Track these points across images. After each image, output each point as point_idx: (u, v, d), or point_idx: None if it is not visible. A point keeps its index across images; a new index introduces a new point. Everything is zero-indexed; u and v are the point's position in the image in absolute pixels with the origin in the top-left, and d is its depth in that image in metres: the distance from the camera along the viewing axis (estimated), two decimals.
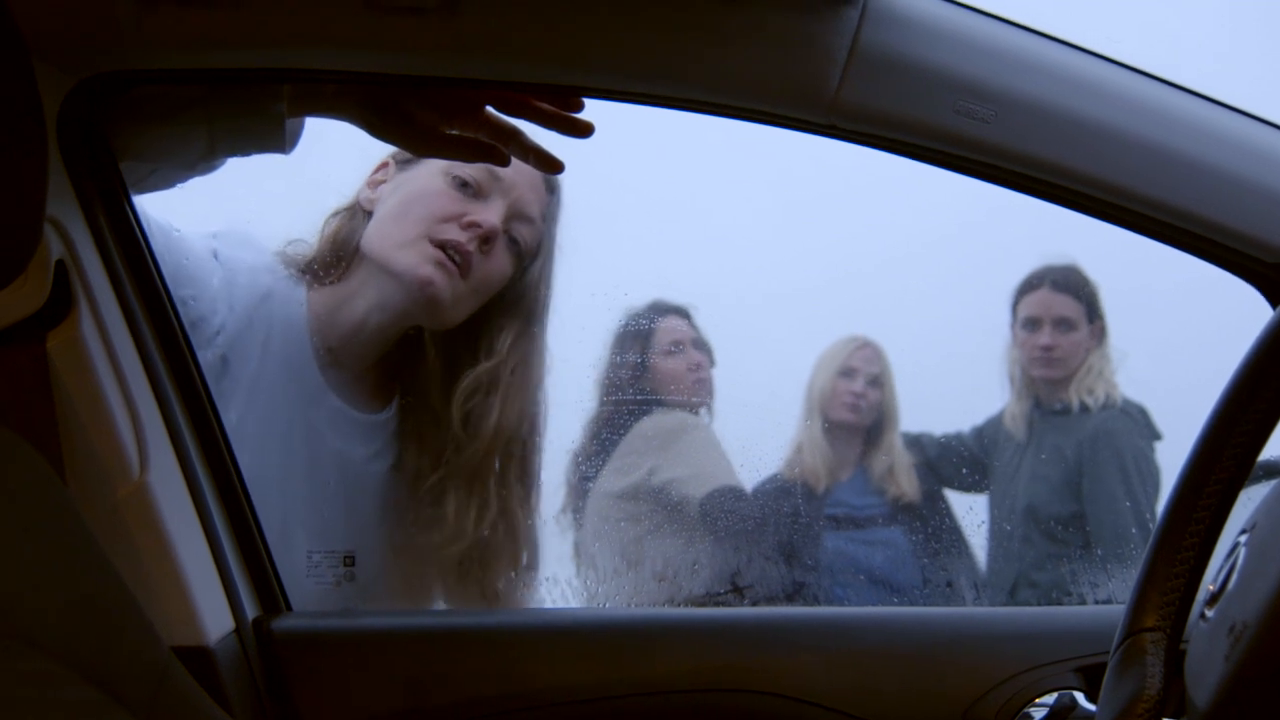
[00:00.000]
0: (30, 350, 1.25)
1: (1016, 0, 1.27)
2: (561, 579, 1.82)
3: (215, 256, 1.58)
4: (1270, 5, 3.10)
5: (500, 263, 1.63)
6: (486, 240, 1.59)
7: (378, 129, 1.41)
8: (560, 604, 1.80)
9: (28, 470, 1.00)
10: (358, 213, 1.66)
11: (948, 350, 2.99)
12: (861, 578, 2.82)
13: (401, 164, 1.66)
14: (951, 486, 3.11)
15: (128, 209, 1.35)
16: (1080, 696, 1.36)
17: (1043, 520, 2.95)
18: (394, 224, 1.62)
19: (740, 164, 2.71)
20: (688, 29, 1.18)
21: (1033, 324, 3.08)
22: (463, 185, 1.60)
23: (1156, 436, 2.99)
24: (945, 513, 2.99)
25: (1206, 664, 0.89)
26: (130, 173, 1.36)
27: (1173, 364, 2.87)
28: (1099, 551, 2.81)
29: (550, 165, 1.43)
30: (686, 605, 2.06)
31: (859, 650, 1.42)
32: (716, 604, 2.16)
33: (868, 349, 3.09)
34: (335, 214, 1.67)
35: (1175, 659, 0.94)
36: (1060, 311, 3.07)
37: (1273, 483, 0.98)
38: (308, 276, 1.65)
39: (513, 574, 1.70)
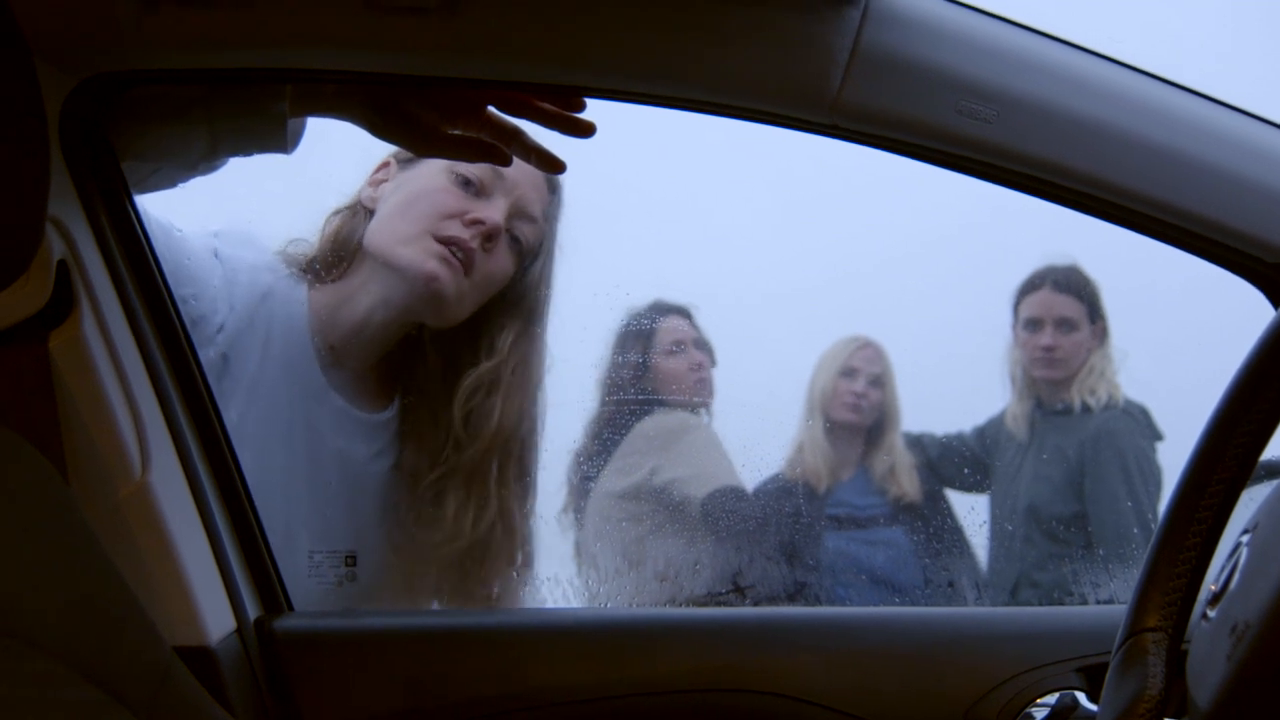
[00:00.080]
0: (32, 350, 1.25)
1: (1018, 0, 1.27)
2: (563, 579, 1.82)
3: (216, 256, 1.58)
4: (1272, 5, 3.10)
5: (502, 261, 1.63)
6: (489, 237, 1.60)
7: (379, 129, 1.41)
8: (561, 604, 1.80)
9: (29, 470, 1.00)
10: (359, 211, 1.66)
11: (949, 350, 2.98)
12: (863, 578, 2.82)
13: (403, 163, 1.66)
14: (953, 486, 3.11)
15: (129, 209, 1.35)
16: (1082, 697, 1.36)
17: (1044, 520, 2.95)
18: (397, 220, 1.62)
19: (741, 164, 2.71)
20: (689, 29, 1.18)
21: (1034, 324, 3.08)
22: (465, 183, 1.61)
23: (1158, 437, 2.99)
24: (947, 513, 2.99)
25: (1208, 664, 0.89)
26: (132, 172, 1.36)
27: (1174, 364, 2.87)
28: (1100, 551, 2.81)
29: (552, 165, 1.43)
30: (688, 605, 2.06)
31: (860, 650, 1.42)
32: (718, 604, 2.15)
33: (869, 349, 3.09)
34: (336, 212, 1.67)
35: (1177, 659, 0.94)
36: (1062, 312, 3.07)
37: (1275, 483, 0.98)
38: (309, 275, 1.65)
39: (512, 573, 1.70)
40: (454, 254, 1.58)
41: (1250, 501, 0.98)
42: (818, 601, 2.49)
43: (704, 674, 1.40)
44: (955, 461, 3.14)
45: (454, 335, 1.67)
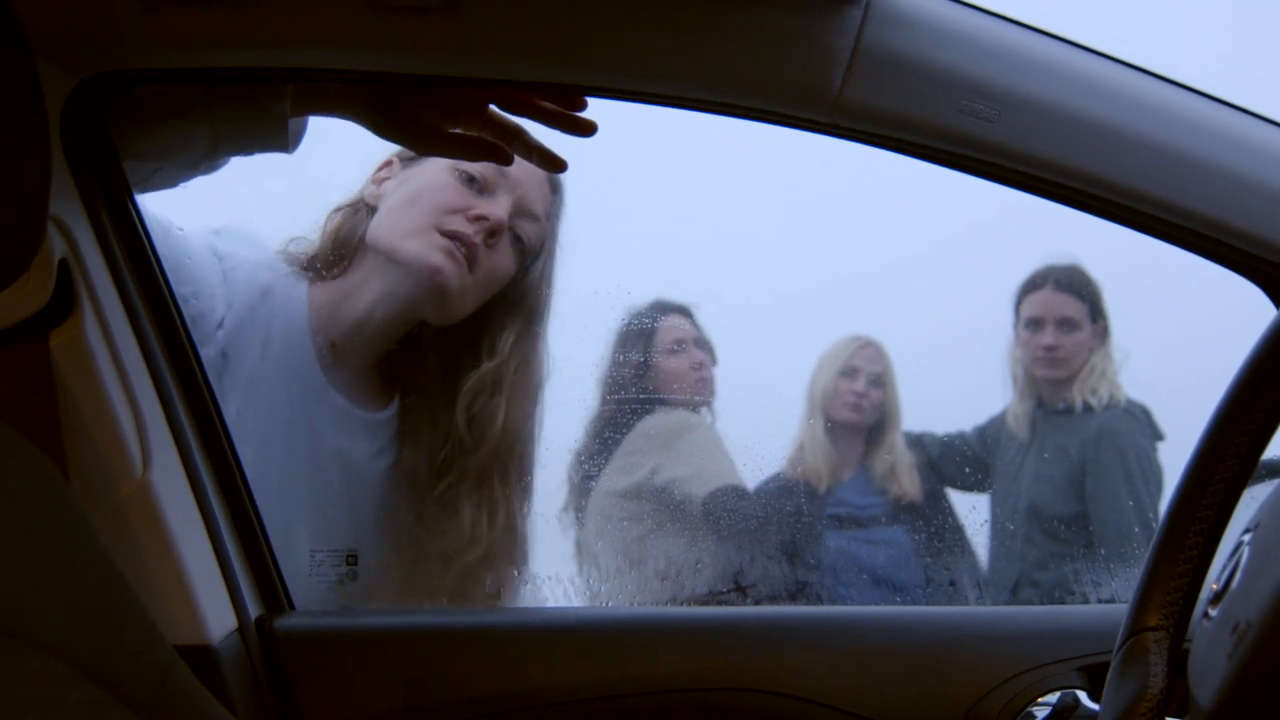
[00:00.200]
0: (33, 349, 1.25)
1: (1022, 0, 1.27)
2: (564, 578, 1.82)
3: (217, 254, 1.58)
4: (1273, 4, 3.10)
5: (504, 258, 1.63)
6: (493, 234, 1.60)
7: (381, 128, 1.41)
8: (563, 603, 1.81)
9: (29, 469, 1.00)
10: (361, 208, 1.67)
11: (950, 350, 2.98)
12: (864, 577, 2.82)
13: (406, 161, 1.66)
14: (954, 486, 3.11)
15: (130, 208, 1.35)
16: (1083, 696, 1.36)
17: (1045, 519, 2.95)
18: (401, 214, 1.62)
19: (742, 163, 2.71)
20: (691, 28, 1.18)
21: (1036, 324, 3.08)
22: (469, 180, 1.61)
23: (1159, 436, 2.98)
24: (948, 512, 2.99)
25: (1210, 663, 0.89)
26: (133, 172, 1.36)
27: (1176, 364, 2.87)
28: (1101, 551, 2.81)
29: (553, 164, 1.43)
30: (689, 604, 2.06)
31: (861, 649, 1.42)
32: (719, 603, 2.15)
33: (870, 348, 3.09)
34: (338, 209, 1.68)
35: (1178, 658, 0.94)
36: (1063, 311, 3.07)
37: (1276, 482, 0.98)
38: (309, 273, 1.65)
39: (514, 572, 1.71)
40: (458, 248, 1.58)
41: (1252, 500, 0.98)
42: (819, 601, 2.49)
43: (705, 673, 1.40)
44: (956, 461, 3.14)
45: (454, 334, 1.67)
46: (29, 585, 0.94)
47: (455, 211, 1.60)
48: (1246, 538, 0.95)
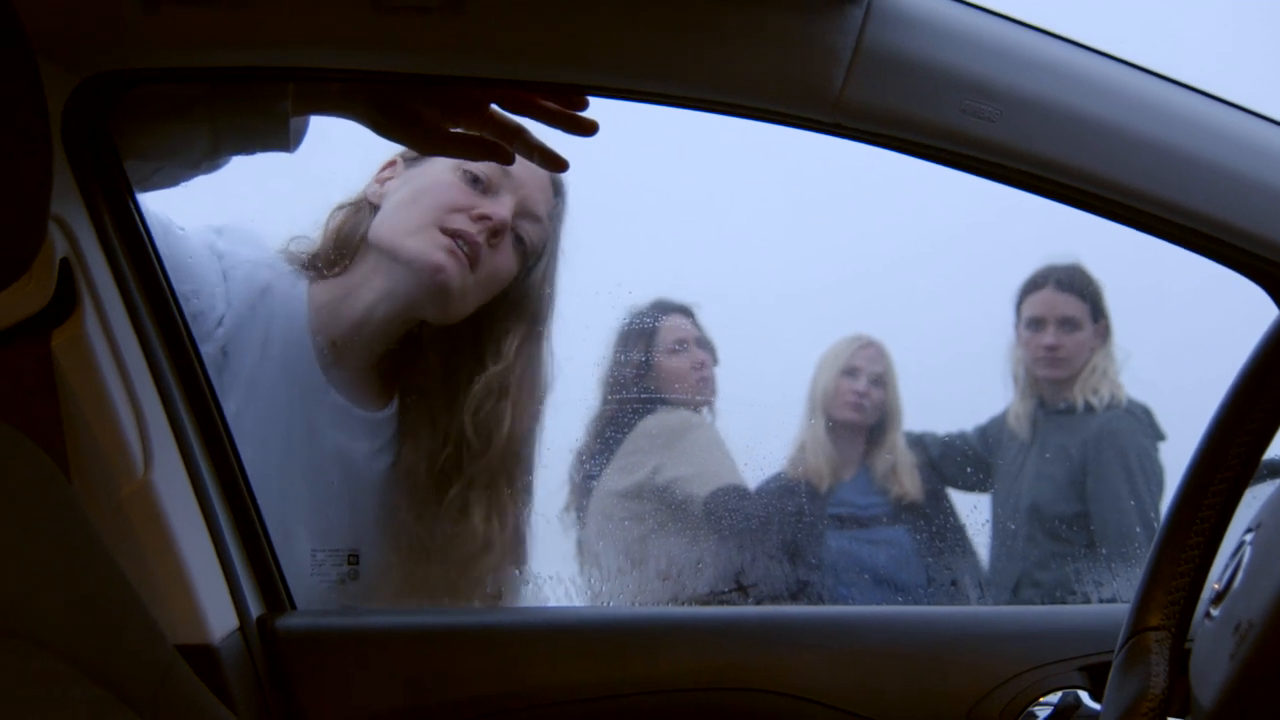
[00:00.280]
0: (35, 349, 1.25)
1: (1023, 0, 1.27)
2: (565, 577, 1.82)
3: (217, 252, 1.58)
4: (1275, 4, 3.09)
5: (506, 259, 1.64)
6: (496, 234, 1.60)
7: (383, 127, 1.41)
8: (564, 602, 1.81)
9: (29, 467, 1.00)
10: (364, 207, 1.67)
11: (952, 349, 2.98)
12: (865, 577, 2.82)
13: (410, 161, 1.66)
14: (955, 486, 3.11)
15: (132, 207, 1.35)
16: (1084, 695, 1.36)
17: (1047, 519, 2.95)
18: (405, 212, 1.63)
19: (743, 163, 2.71)
20: (692, 28, 1.18)
21: (1037, 324, 3.08)
22: (473, 180, 1.61)
23: (1160, 436, 2.98)
24: (949, 512, 2.99)
25: (1211, 663, 0.89)
26: (134, 171, 1.36)
27: (1177, 364, 2.87)
28: (1103, 551, 2.81)
29: (555, 163, 1.43)
30: (690, 604, 2.06)
31: (863, 649, 1.42)
32: (720, 603, 2.15)
33: (871, 348, 3.09)
34: (341, 207, 1.68)
35: (1180, 658, 0.94)
36: (1064, 311, 3.07)
37: (1278, 482, 0.98)
38: (310, 271, 1.65)
39: (515, 572, 1.71)
40: (460, 247, 1.59)
41: (1254, 500, 0.98)
42: (820, 601, 2.49)
43: (706, 673, 1.40)
44: (957, 460, 3.14)
45: (455, 334, 1.67)
46: (30, 585, 0.94)
47: (459, 210, 1.60)
48: (1248, 537, 0.95)
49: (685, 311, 2.73)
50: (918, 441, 3.11)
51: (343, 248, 1.65)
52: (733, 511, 2.46)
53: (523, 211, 1.64)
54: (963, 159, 1.24)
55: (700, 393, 2.70)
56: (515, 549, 1.70)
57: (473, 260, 1.59)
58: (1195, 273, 1.33)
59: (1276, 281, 1.26)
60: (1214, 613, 0.94)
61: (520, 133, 1.40)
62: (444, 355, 1.69)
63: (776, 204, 3.14)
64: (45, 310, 1.23)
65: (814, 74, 1.18)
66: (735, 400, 2.71)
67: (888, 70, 1.18)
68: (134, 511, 1.29)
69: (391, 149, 1.62)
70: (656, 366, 2.66)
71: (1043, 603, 2.83)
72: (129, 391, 1.30)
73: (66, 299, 1.26)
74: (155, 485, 1.30)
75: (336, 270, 1.65)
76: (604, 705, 1.40)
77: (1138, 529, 2.83)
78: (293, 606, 1.48)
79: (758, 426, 2.45)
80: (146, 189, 1.40)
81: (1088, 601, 2.34)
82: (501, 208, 1.61)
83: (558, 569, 1.81)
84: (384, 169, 1.68)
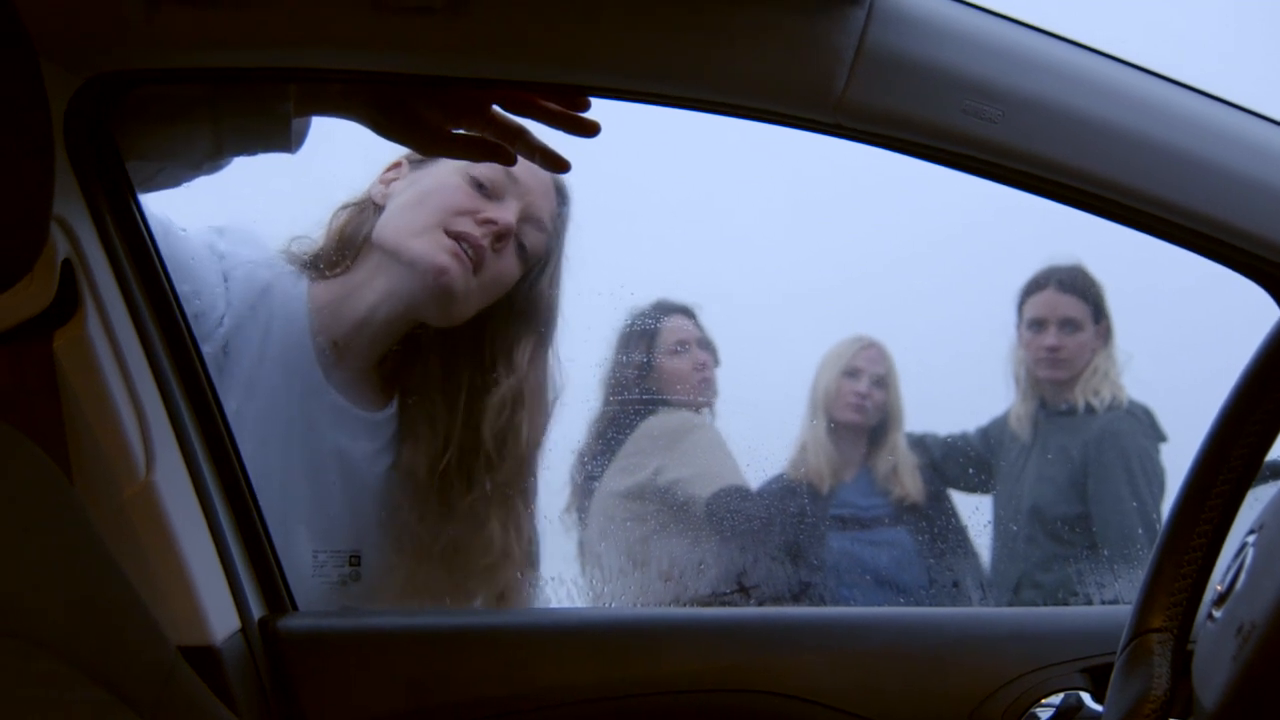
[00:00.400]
0: (36, 350, 1.26)
1: (1024, 0, 1.27)
2: (567, 578, 1.82)
3: (218, 252, 1.58)
4: (1275, 4, 3.09)
5: (509, 264, 1.64)
6: (500, 238, 1.60)
7: (384, 128, 1.41)
8: (566, 604, 1.81)
9: (32, 469, 1.00)
10: (368, 207, 1.67)
11: (953, 350, 2.98)
12: (867, 578, 2.82)
13: (415, 163, 1.66)
14: (957, 487, 3.11)
15: (134, 208, 1.35)
16: (1087, 697, 1.36)
17: (1048, 521, 2.95)
18: (409, 214, 1.63)
19: (744, 164, 2.71)
20: (694, 28, 1.18)
21: (1038, 325, 3.08)
22: (479, 185, 1.62)
23: (1162, 438, 2.98)
24: (950, 513, 2.99)
25: (1214, 664, 0.89)
26: (136, 172, 1.36)
27: (1178, 365, 2.87)
28: (1105, 552, 2.81)
29: (557, 164, 1.43)
30: (692, 605, 2.06)
31: (865, 650, 1.42)
32: (722, 604, 2.15)
33: (872, 349, 3.09)
34: (345, 207, 1.68)
35: (1182, 659, 0.94)
36: (1066, 312, 3.07)
37: None
38: (312, 271, 1.65)
39: (516, 574, 1.71)
40: (464, 250, 1.59)
41: (1256, 502, 0.98)
42: (822, 602, 2.49)
43: (708, 674, 1.40)
44: (959, 462, 3.14)
45: (455, 336, 1.67)
46: (31, 585, 0.94)
47: (464, 213, 1.60)
48: (1251, 539, 0.95)
49: (687, 312, 2.73)
50: (919, 443, 3.11)
51: (346, 248, 1.65)
52: (734, 513, 2.46)
53: (527, 217, 1.64)
54: (964, 160, 1.24)
55: (702, 394, 2.70)
56: (531, 557, 1.71)
57: (476, 264, 1.60)
58: (1197, 273, 1.33)
59: (1278, 282, 1.26)
60: (1216, 614, 0.93)
61: (522, 134, 1.40)
62: (444, 357, 1.69)
63: (778, 205, 3.14)
64: (47, 311, 1.23)
65: (816, 75, 1.18)
66: (737, 401, 2.72)
67: (889, 71, 1.18)
68: (136, 512, 1.29)
69: (394, 150, 1.62)
70: (658, 367, 2.66)
71: (1045, 604, 2.83)
72: (131, 392, 1.30)
73: (68, 300, 1.26)
74: (157, 486, 1.30)
75: (339, 270, 1.65)
76: (606, 706, 1.40)
77: (1139, 530, 2.83)
78: (294, 608, 1.48)
79: (759, 427, 2.45)
80: (148, 190, 1.40)
81: (1090, 603, 2.34)
82: (506, 212, 1.61)
83: (559, 570, 1.81)
84: (389, 170, 1.68)
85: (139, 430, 1.30)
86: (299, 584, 1.51)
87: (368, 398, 1.67)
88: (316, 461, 1.63)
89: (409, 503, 1.68)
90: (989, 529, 2.97)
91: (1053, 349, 3.06)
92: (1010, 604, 2.88)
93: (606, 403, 2.46)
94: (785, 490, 2.88)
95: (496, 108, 1.39)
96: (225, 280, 1.57)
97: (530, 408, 1.67)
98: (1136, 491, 2.89)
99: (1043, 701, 1.37)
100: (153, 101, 1.34)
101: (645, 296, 2.58)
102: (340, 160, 1.64)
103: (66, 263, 1.24)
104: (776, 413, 2.79)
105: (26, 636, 0.90)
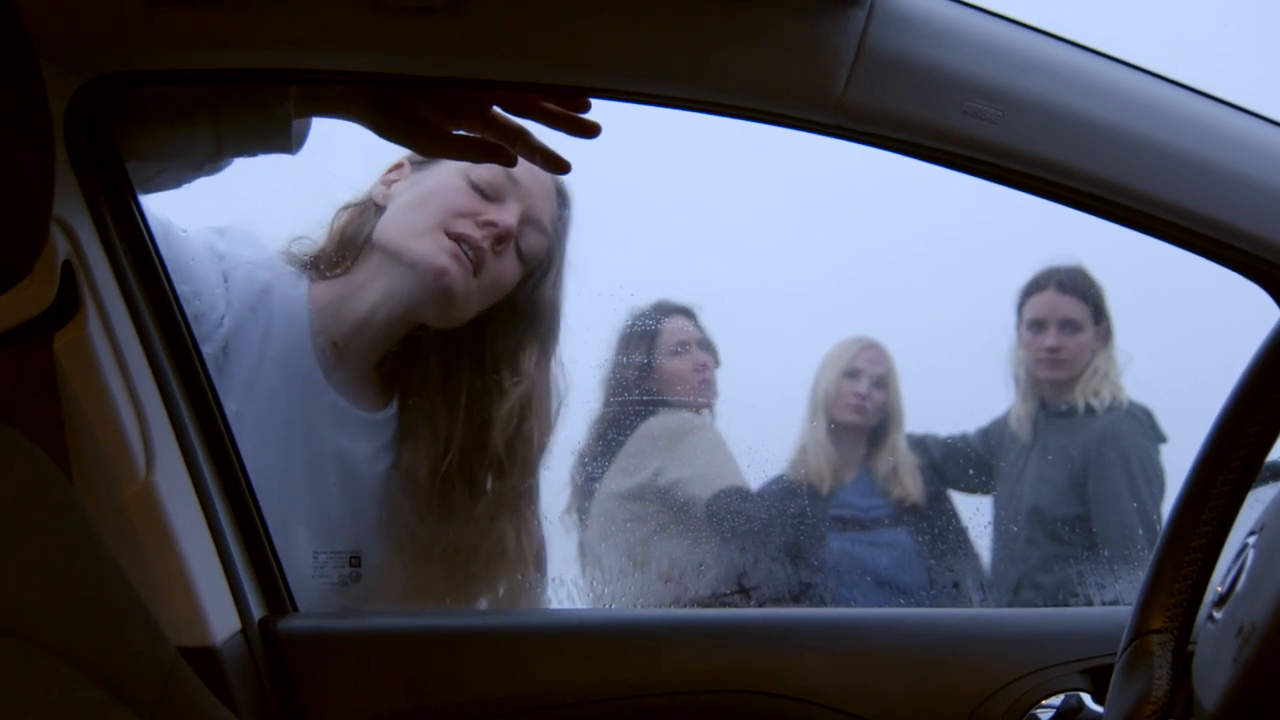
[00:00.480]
0: (37, 350, 1.25)
1: (1024, 1, 1.27)
2: (567, 579, 1.82)
3: (218, 253, 1.58)
4: (1275, 4, 3.09)
5: (509, 266, 1.64)
6: (500, 240, 1.60)
7: (384, 129, 1.41)
8: (566, 605, 1.81)
9: (32, 469, 1.00)
10: (369, 208, 1.67)
11: (953, 351, 2.98)
12: (867, 579, 2.82)
13: (417, 164, 1.67)
14: (957, 488, 3.11)
15: (134, 209, 1.35)
16: (1087, 698, 1.36)
17: (1048, 522, 2.95)
18: (410, 215, 1.63)
19: (744, 164, 2.71)
20: (694, 29, 1.18)
21: (1038, 325, 3.08)
22: (480, 187, 1.62)
23: (1161, 438, 2.98)
24: (951, 514, 2.99)
25: (1214, 666, 0.89)
26: (137, 173, 1.36)
27: (1179, 366, 2.87)
28: (1105, 553, 2.81)
29: (557, 165, 1.43)
30: (692, 606, 2.06)
31: (865, 651, 1.42)
32: (722, 605, 2.15)
33: (872, 350, 3.09)
34: (346, 207, 1.68)
35: (1183, 661, 0.94)
36: (1066, 313, 3.07)
37: None
38: (312, 271, 1.65)
39: (530, 576, 1.72)
40: (465, 252, 1.59)
41: (1256, 503, 0.98)
42: (823, 603, 2.49)
43: (709, 675, 1.40)
44: (959, 463, 3.14)
45: (455, 337, 1.67)
46: (31, 585, 0.94)
47: (465, 215, 1.60)
48: (1251, 540, 0.95)
49: (687, 313, 2.73)
50: (919, 443, 3.11)
51: (346, 248, 1.65)
52: (735, 513, 2.46)
53: (527, 219, 1.64)
54: (964, 160, 1.24)
55: (702, 394, 2.70)
56: (540, 559, 1.71)
57: (476, 265, 1.60)
58: (1197, 274, 1.33)
59: (1277, 283, 1.26)
60: (1217, 615, 0.93)
61: (522, 135, 1.40)
62: (444, 358, 1.69)
63: (778, 205, 3.14)
64: (48, 312, 1.23)
65: (816, 76, 1.18)
66: (737, 402, 2.72)
67: (890, 72, 1.18)
68: (136, 513, 1.29)
69: (394, 151, 1.62)
70: (658, 368, 2.66)
71: (1045, 605, 2.83)
72: (131, 393, 1.30)
73: (69, 301, 1.26)
74: (157, 487, 1.30)
75: (339, 271, 1.65)
76: (606, 707, 1.40)
77: (1139, 531, 2.83)
78: (294, 608, 1.48)
79: (759, 428, 2.45)
80: (148, 190, 1.40)
81: (1090, 604, 2.34)
82: (507, 215, 1.61)
83: (560, 571, 1.81)
84: (390, 171, 1.68)
85: (139, 431, 1.30)
86: (299, 585, 1.51)
87: (368, 398, 1.67)
88: (316, 462, 1.63)
89: (409, 503, 1.68)
90: (989, 530, 2.97)
91: (1053, 350, 3.06)
92: (1010, 605, 2.88)
93: (607, 404, 2.46)
94: (785, 491, 2.88)
95: (497, 109, 1.39)
96: (225, 281, 1.57)
97: (538, 413, 1.67)
98: (1136, 492, 2.89)
99: (1043, 703, 1.37)
100: (153, 102, 1.34)
101: (645, 297, 2.59)
102: (340, 161, 1.64)
103: (67, 263, 1.24)
104: (776, 413, 2.79)
105: (26, 636, 0.91)
